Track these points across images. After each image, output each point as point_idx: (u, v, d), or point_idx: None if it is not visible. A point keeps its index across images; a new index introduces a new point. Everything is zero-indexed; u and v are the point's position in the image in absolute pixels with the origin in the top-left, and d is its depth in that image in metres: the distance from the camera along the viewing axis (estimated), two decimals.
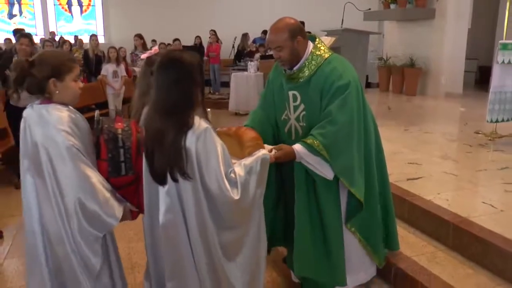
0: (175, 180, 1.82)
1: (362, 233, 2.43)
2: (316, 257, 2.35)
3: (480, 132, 5.27)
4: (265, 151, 2.08)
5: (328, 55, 2.30)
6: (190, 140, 1.80)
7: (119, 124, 1.98)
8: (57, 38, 12.70)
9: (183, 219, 1.86)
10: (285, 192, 2.55)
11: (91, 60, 8.92)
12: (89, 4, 15.36)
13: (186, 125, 1.80)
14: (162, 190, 1.86)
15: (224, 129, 2.25)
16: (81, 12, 15.43)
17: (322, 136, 2.17)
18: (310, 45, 2.32)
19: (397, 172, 3.82)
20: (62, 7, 15.22)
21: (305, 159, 2.21)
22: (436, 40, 8.67)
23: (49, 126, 1.87)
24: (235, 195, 1.86)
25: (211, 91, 11.51)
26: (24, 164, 1.95)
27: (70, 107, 1.99)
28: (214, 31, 12.07)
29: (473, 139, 5.07)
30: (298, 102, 2.36)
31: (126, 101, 8.11)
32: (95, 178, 1.89)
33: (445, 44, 8.58)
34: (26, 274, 2.07)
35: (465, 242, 2.71)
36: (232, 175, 1.89)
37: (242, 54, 12.16)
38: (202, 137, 1.81)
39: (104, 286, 2.02)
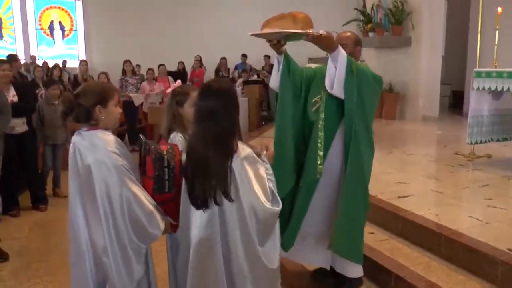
0: (217, 203, 1.98)
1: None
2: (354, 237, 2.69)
3: (459, 153, 5.65)
4: None
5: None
6: (235, 164, 1.98)
7: (163, 146, 2.22)
8: (38, 63, 12.71)
9: (219, 237, 2.02)
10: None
11: (80, 85, 9.06)
12: (71, 29, 15.43)
13: (232, 150, 1.99)
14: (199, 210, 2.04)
15: (278, 15, 2.56)
16: (63, 36, 15.47)
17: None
18: (363, 63, 2.88)
19: (388, 191, 4.11)
20: (44, 32, 15.24)
21: (339, 59, 2.53)
22: (413, 66, 9.17)
23: (99, 149, 2.08)
24: (276, 206, 2.08)
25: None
26: (73, 185, 2.16)
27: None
28: (200, 56, 12.35)
29: (453, 160, 5.44)
30: None
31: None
32: (141, 193, 2.11)
33: (421, 69, 9.08)
34: None
35: (456, 252, 3.00)
36: (270, 185, 2.10)
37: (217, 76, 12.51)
38: (246, 161, 2.02)
39: None
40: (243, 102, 9.46)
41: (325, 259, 2.87)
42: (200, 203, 2.01)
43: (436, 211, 3.59)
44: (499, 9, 5.45)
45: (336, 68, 2.55)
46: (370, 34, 9.41)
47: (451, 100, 11.29)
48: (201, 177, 1.99)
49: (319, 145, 2.66)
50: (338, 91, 2.57)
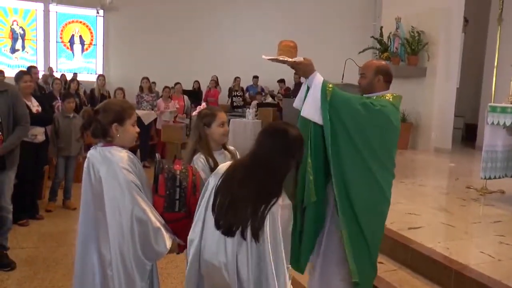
0: (244, 238, 1.89)
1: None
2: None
3: (471, 187, 5.60)
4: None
5: (390, 100, 2.64)
6: (275, 209, 1.88)
7: (178, 166, 2.24)
8: (56, 75, 12.95)
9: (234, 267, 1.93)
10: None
11: (96, 99, 9.20)
12: (90, 43, 15.79)
13: (278, 193, 1.91)
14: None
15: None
16: (82, 50, 15.82)
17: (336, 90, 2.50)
18: (386, 93, 2.69)
19: (398, 221, 4.08)
20: (64, 45, 15.61)
21: (314, 84, 2.49)
22: (427, 97, 9.18)
23: (112, 164, 2.14)
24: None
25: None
26: (85, 198, 2.22)
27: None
28: (216, 76, 12.50)
29: (465, 193, 5.39)
30: None
31: None
32: (150, 210, 2.14)
33: (435, 101, 9.08)
34: None
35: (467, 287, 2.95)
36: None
37: (231, 95, 12.66)
38: (285, 211, 1.93)
39: None
40: (256, 125, 9.53)
41: None
42: (229, 231, 1.93)
43: (446, 245, 3.55)
44: None
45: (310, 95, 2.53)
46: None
47: (464, 133, 11.24)
48: (238, 206, 1.91)
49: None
50: (310, 115, 2.51)
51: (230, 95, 12.70)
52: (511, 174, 5.42)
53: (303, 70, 2.56)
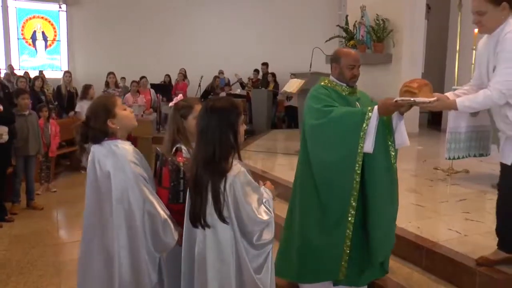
0: (207, 225, 1.98)
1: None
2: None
3: (438, 168, 5.79)
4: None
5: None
6: (228, 183, 1.96)
7: (180, 158, 2.28)
8: (18, 72, 12.55)
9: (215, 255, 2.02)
10: None
11: (64, 96, 9.00)
12: (54, 39, 15.37)
13: (224, 171, 1.97)
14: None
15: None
16: (46, 46, 15.39)
17: None
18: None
19: None
20: (26, 41, 15.14)
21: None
22: (393, 82, 9.34)
23: (119, 158, 2.16)
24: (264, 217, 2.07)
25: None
26: (90, 193, 2.25)
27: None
28: (184, 70, 12.41)
29: (432, 174, 5.58)
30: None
31: None
32: (156, 202, 2.18)
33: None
34: None
35: (437, 264, 3.08)
36: (263, 207, 2.09)
37: (208, 94, 12.50)
38: (237, 179, 1.99)
39: None
40: None
41: None
42: (194, 221, 2.02)
43: (417, 224, 3.69)
44: (476, 30, 5.65)
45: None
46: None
47: (430, 117, 11.55)
48: (194, 196, 2.01)
49: None
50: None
51: (205, 95, 12.52)
52: (474, 154, 5.62)
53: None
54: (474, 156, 5.66)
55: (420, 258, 3.20)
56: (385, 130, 2.70)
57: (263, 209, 2.08)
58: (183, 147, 2.51)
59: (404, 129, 2.73)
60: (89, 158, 2.24)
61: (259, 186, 2.18)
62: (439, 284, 2.98)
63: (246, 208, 1.99)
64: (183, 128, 2.56)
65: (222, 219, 1.97)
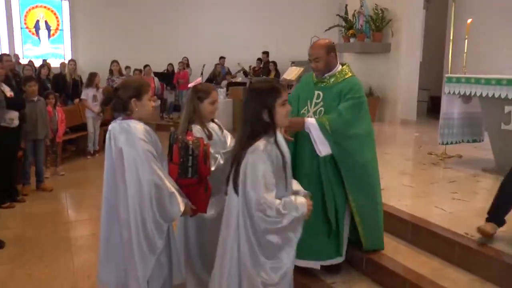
0: (225, 193, 2.23)
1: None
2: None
3: (432, 153, 6.01)
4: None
5: (351, 75, 3.00)
6: (245, 159, 2.10)
7: (190, 137, 2.52)
8: (22, 62, 12.70)
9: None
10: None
11: (68, 84, 9.22)
12: (57, 28, 15.49)
13: (246, 147, 2.11)
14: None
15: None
16: (49, 36, 15.52)
17: (330, 120, 2.83)
18: (340, 66, 3.01)
19: None
20: (29, 31, 15.28)
21: (312, 131, 2.80)
22: (392, 71, 9.55)
23: (130, 135, 2.39)
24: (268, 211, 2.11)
25: (180, 116, 11.91)
26: (107, 165, 2.49)
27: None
28: (187, 58, 12.56)
29: (426, 159, 5.79)
30: (320, 100, 3.00)
31: (103, 123, 8.44)
32: (164, 177, 2.41)
33: (400, 75, 9.46)
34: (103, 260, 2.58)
35: (421, 237, 3.33)
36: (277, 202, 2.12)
37: (211, 82, 12.70)
38: (250, 157, 2.09)
39: (161, 264, 2.54)
40: (227, 104, 9.75)
41: None
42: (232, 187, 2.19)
43: (406, 202, 3.92)
44: (469, 20, 5.85)
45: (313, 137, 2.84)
46: (351, 40, 9.76)
47: (429, 105, 11.72)
48: (231, 165, 2.22)
49: None
50: (325, 151, 2.84)
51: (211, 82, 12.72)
52: (467, 139, 5.84)
53: (295, 128, 2.85)
54: (468, 141, 5.90)
55: (406, 232, 3.44)
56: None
57: (276, 203, 2.10)
58: (198, 127, 2.76)
59: (317, 139, 2.84)
60: (106, 136, 2.49)
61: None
62: (422, 255, 3.22)
63: (247, 186, 2.10)
64: (198, 109, 2.81)
65: (236, 189, 2.15)
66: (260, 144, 2.10)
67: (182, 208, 2.44)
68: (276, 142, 2.16)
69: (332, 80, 2.98)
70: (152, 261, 2.43)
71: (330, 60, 2.95)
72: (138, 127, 2.42)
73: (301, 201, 2.20)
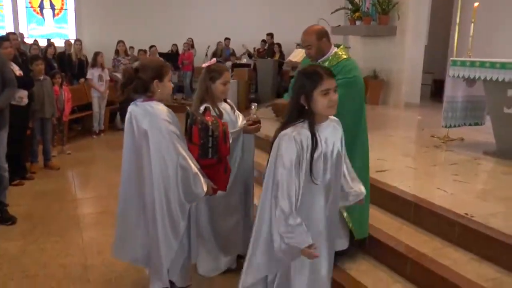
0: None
1: None
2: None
3: (435, 136, 6.06)
4: None
5: (346, 57, 2.99)
6: (276, 141, 2.09)
7: (208, 117, 2.55)
8: (27, 41, 12.69)
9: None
10: None
11: (74, 64, 9.25)
12: (61, 8, 15.43)
13: (280, 128, 2.10)
14: None
15: None
16: (53, 15, 15.46)
17: None
18: (334, 48, 3.01)
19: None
20: (34, 10, 15.22)
21: None
22: (397, 54, 9.52)
23: (154, 117, 2.40)
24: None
25: (184, 97, 11.97)
26: (127, 145, 2.51)
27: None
28: (191, 39, 12.52)
29: (429, 142, 5.85)
30: None
31: (109, 103, 8.51)
32: (188, 157, 2.44)
33: (405, 58, 9.44)
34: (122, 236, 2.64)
35: (423, 217, 3.41)
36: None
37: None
38: (278, 141, 2.08)
39: (183, 245, 2.60)
40: (232, 85, 9.76)
41: None
42: None
43: (408, 184, 4.00)
44: (476, 4, 5.83)
45: None
46: (357, 23, 9.72)
47: (433, 88, 11.71)
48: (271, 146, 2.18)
49: None
50: None
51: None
52: (469, 122, 5.89)
53: (282, 111, 2.85)
54: (470, 125, 5.95)
55: (409, 213, 3.52)
56: None
57: (288, 212, 2.04)
58: (209, 106, 2.78)
59: None
60: (126, 117, 2.50)
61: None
62: (424, 235, 3.30)
63: (271, 166, 2.09)
64: (210, 89, 2.85)
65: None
66: (289, 130, 2.06)
67: (205, 188, 2.46)
68: (311, 130, 2.05)
69: (326, 64, 2.96)
70: (176, 242, 2.49)
71: (322, 46, 2.96)
72: (161, 109, 2.44)
73: (304, 240, 2.06)
